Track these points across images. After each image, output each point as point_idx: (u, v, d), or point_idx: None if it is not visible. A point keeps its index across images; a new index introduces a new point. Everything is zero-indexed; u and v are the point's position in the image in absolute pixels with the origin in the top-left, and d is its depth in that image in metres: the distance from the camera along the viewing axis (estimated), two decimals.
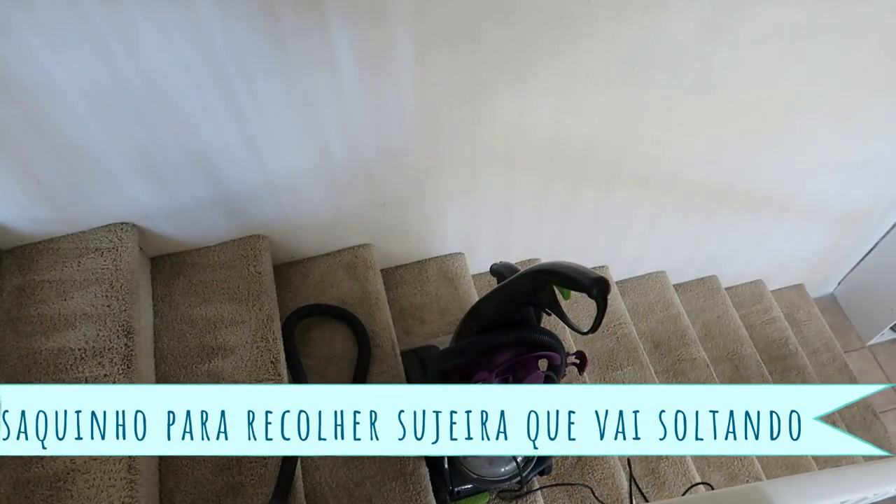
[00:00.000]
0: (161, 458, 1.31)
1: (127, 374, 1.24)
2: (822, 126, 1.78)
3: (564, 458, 1.74)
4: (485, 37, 1.20)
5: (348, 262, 1.75)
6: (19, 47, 0.97)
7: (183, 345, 1.43)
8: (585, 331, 1.04)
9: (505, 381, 1.25)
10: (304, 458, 1.43)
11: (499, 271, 1.30)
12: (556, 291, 1.13)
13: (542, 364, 1.27)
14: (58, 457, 1.16)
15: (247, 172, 1.36)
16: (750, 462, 2.07)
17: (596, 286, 0.95)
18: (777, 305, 2.70)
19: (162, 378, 1.39)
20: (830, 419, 2.45)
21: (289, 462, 1.30)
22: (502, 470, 1.45)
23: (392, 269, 1.93)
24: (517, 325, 1.24)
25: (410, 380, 1.59)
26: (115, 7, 0.96)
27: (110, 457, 1.16)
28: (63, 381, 1.22)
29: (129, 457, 1.17)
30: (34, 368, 1.24)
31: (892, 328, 2.83)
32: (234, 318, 1.46)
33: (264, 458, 1.32)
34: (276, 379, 1.40)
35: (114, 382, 1.23)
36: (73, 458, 1.16)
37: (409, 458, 1.47)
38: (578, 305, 2.10)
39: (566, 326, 1.13)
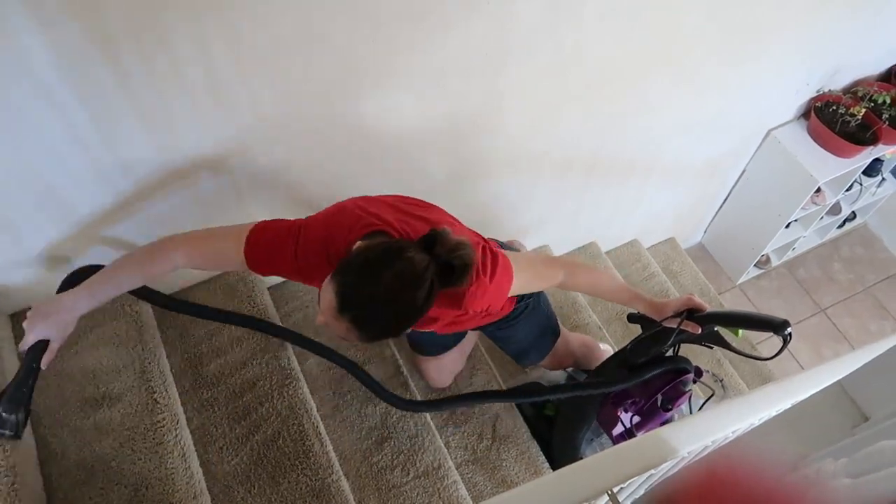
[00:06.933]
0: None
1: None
2: (670, 90, 1.91)
3: None
4: (337, 37, 1.18)
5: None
6: None
7: (60, 401, 1.32)
8: (768, 357, 1.25)
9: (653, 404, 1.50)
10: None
11: (641, 318, 1.45)
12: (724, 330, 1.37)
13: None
14: None
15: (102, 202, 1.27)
16: None
17: (785, 327, 1.21)
18: (654, 261, 2.86)
19: (42, 440, 1.27)
20: None
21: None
22: None
23: None
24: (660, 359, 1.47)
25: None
26: None
27: None
28: None
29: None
30: None
31: (755, 266, 3.09)
32: (115, 363, 1.36)
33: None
34: (170, 419, 1.32)
35: None
36: None
37: None
38: None
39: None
